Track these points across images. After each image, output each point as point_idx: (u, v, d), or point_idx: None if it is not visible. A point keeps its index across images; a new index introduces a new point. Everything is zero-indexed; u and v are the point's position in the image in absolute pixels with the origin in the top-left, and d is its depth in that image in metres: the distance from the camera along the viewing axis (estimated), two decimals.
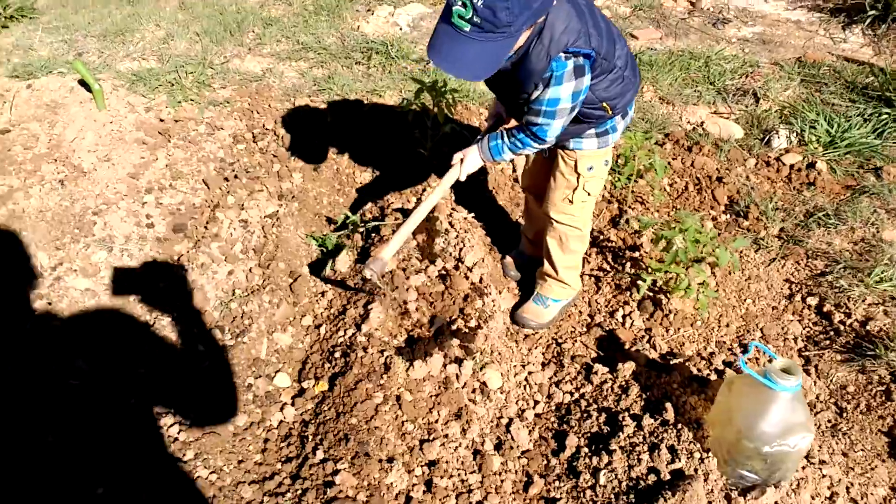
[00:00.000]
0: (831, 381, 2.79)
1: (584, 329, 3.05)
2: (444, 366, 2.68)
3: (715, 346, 2.94)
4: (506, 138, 2.52)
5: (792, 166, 3.75)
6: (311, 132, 4.03)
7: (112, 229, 3.23)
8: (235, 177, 3.64)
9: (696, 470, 2.31)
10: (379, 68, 4.60)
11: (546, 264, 3.01)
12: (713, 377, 2.74)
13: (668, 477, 2.31)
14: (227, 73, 4.53)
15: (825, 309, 3.04)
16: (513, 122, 2.72)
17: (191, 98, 4.25)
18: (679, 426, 2.44)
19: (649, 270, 3.00)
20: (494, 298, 3.03)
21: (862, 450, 2.57)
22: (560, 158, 2.72)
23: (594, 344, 2.99)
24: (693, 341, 2.96)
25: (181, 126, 3.98)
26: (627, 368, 2.74)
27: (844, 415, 2.68)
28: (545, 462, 2.54)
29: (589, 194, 2.76)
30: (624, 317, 3.05)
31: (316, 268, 3.24)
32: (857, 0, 4.89)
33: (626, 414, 2.56)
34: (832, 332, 2.95)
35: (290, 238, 3.29)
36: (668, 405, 2.51)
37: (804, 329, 3.01)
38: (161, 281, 3.03)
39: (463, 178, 2.66)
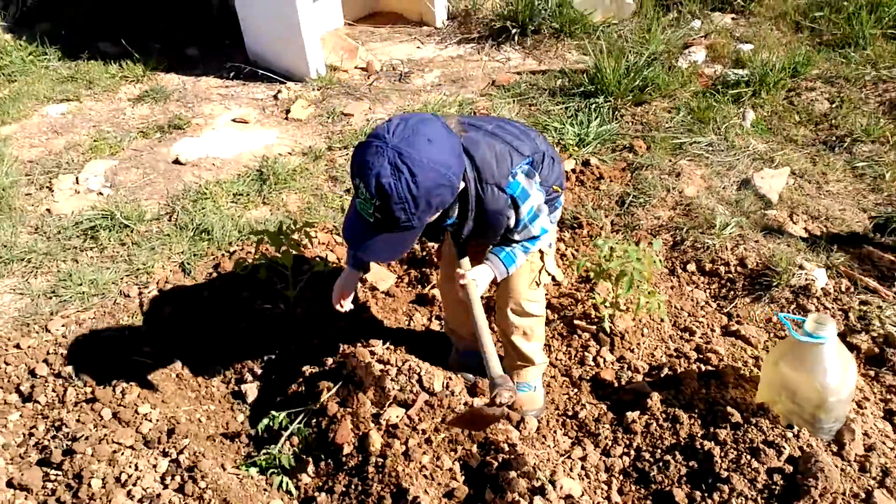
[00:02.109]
0: (755, 320, 3.20)
1: (575, 389, 2.96)
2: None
3: (670, 341, 3.12)
4: (514, 247, 2.42)
5: (574, 171, 4.15)
6: (100, 351, 3.09)
7: None
8: (69, 452, 2.61)
9: (800, 448, 2.44)
10: (116, 244, 3.72)
11: (517, 360, 2.83)
12: (706, 367, 2.91)
13: (790, 468, 2.39)
14: None
15: (707, 268, 3.46)
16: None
17: None
18: (753, 420, 2.54)
19: (605, 305, 3.04)
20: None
21: None
22: None
23: (593, 398, 2.92)
24: (656, 347, 3.09)
25: None
26: (655, 399, 2.75)
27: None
28: None
29: (548, 274, 2.71)
30: (594, 359, 3.04)
31: None
32: (497, 26, 5.57)
33: (698, 439, 2.57)
34: (728, 283, 3.38)
35: (225, 482, 2.48)
36: (729, 409, 2.60)
37: (707, 292, 3.38)
38: None
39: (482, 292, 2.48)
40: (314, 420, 2.71)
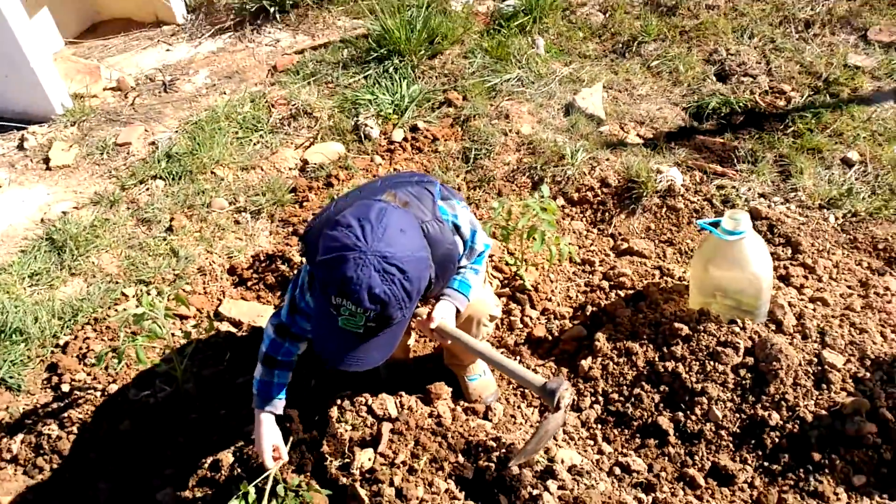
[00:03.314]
0: (637, 232, 3.31)
1: (517, 357, 2.83)
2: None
3: (577, 278, 3.10)
4: (463, 273, 2.27)
5: (406, 139, 3.93)
6: None
7: None
8: None
9: (750, 338, 2.54)
10: None
11: (468, 359, 2.64)
12: (625, 292, 2.94)
13: (751, 360, 2.48)
14: None
15: (576, 198, 3.48)
16: None
17: None
18: (700, 328, 2.60)
19: (514, 264, 2.91)
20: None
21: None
22: None
23: (537, 359, 2.82)
24: (568, 289, 3.06)
25: None
26: (602, 339, 2.72)
27: (670, 240, 3.24)
28: (665, 453, 2.41)
29: (489, 274, 2.59)
30: (522, 320, 2.93)
31: None
32: (252, 7, 5.04)
33: (658, 363, 2.58)
34: (600, 206, 3.43)
35: None
36: (676, 324, 2.63)
37: (583, 220, 3.41)
38: None
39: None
40: (274, 502, 2.29)
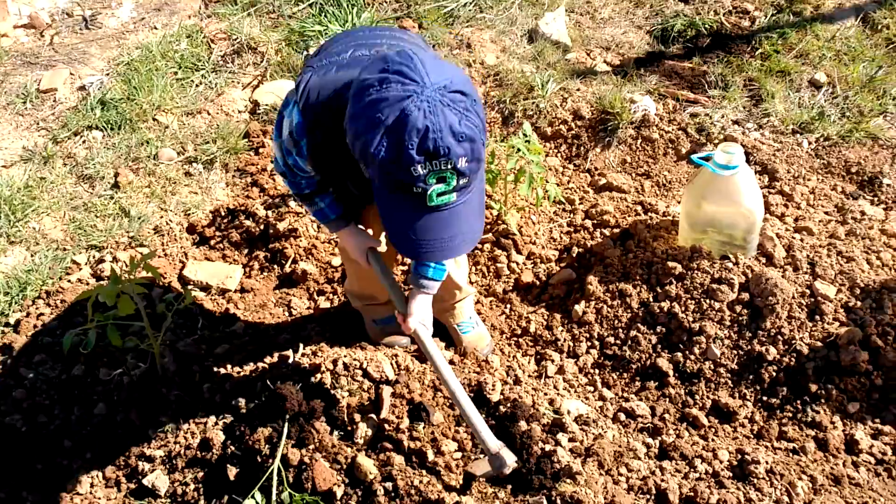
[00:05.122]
0: (613, 166, 3.23)
1: (507, 306, 2.76)
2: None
3: (559, 218, 3.02)
4: None
5: None
6: None
7: None
8: None
9: (744, 273, 2.53)
10: None
11: (448, 294, 2.51)
12: (611, 231, 2.88)
13: (746, 296, 2.48)
14: None
15: (549, 132, 3.35)
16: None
17: None
18: (693, 266, 2.56)
19: (498, 208, 2.80)
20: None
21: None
22: None
23: (528, 306, 2.75)
24: (551, 230, 2.97)
25: None
26: (594, 282, 2.66)
27: (647, 173, 3.18)
28: (666, 395, 2.42)
29: None
30: (508, 266, 2.84)
31: None
32: None
33: (653, 304, 2.56)
34: (574, 140, 3.32)
35: None
36: (670, 263, 2.59)
37: (559, 156, 3.30)
38: None
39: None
40: (277, 479, 2.18)
